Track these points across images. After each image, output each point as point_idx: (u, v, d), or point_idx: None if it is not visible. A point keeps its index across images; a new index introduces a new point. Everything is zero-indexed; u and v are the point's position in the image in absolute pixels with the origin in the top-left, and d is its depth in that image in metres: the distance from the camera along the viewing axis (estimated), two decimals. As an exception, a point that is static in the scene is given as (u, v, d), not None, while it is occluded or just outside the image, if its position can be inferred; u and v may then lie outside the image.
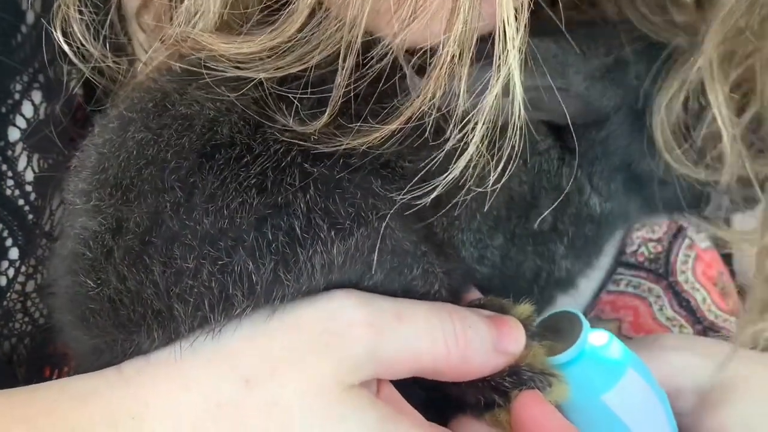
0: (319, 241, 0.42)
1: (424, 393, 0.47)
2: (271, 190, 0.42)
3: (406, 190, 0.43)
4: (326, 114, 0.43)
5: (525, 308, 0.49)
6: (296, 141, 0.43)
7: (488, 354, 0.45)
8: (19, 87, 0.55)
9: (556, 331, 0.49)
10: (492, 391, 0.46)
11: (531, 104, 0.48)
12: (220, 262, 0.42)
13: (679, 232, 0.73)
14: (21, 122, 0.55)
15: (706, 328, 0.70)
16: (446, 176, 0.42)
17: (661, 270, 0.70)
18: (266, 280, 0.42)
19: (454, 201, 0.46)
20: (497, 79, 0.41)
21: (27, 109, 0.55)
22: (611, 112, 0.54)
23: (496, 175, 0.43)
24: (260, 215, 0.42)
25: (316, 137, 0.43)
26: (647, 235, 0.71)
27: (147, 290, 0.42)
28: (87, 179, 0.46)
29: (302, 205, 0.42)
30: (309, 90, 0.44)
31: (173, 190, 0.43)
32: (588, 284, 0.65)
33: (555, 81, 0.49)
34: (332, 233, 0.43)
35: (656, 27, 0.56)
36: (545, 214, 0.53)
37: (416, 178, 0.43)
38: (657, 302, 0.69)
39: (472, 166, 0.42)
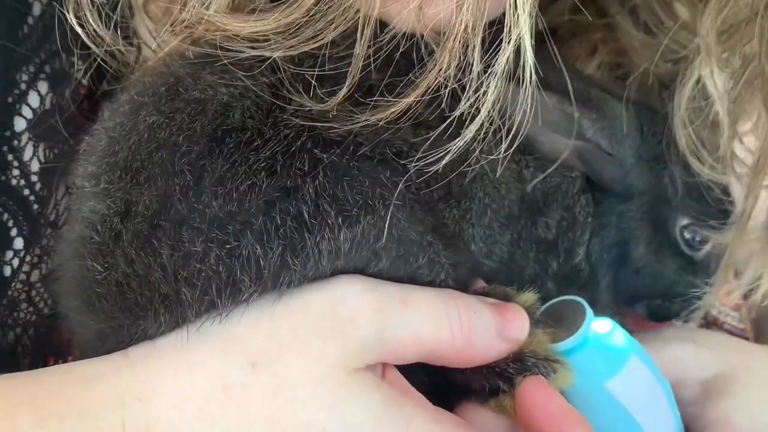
0: (327, 227, 0.43)
1: (428, 379, 0.47)
2: (281, 174, 0.43)
3: (418, 156, 0.43)
4: (345, 85, 0.43)
5: (529, 296, 0.50)
6: (308, 124, 0.43)
7: (492, 340, 0.46)
8: (25, 77, 0.55)
9: (560, 319, 0.49)
10: (496, 377, 0.46)
11: (579, 156, 0.52)
12: (228, 246, 0.42)
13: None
14: (27, 112, 0.55)
15: (710, 323, 0.70)
16: (458, 141, 0.43)
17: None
18: (274, 264, 0.42)
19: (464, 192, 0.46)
20: (509, 41, 0.41)
21: (33, 99, 0.55)
22: (636, 194, 0.56)
23: (506, 144, 0.43)
24: (269, 198, 0.42)
25: (334, 114, 0.43)
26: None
27: (155, 274, 0.42)
28: (97, 162, 0.46)
29: (311, 191, 0.43)
30: (326, 68, 0.44)
31: (183, 174, 0.43)
32: None
33: (612, 147, 0.54)
34: (339, 220, 0.43)
35: (660, 24, 0.56)
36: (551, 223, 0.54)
37: (426, 144, 0.44)
38: (659, 297, 0.69)
39: (483, 132, 0.42)
